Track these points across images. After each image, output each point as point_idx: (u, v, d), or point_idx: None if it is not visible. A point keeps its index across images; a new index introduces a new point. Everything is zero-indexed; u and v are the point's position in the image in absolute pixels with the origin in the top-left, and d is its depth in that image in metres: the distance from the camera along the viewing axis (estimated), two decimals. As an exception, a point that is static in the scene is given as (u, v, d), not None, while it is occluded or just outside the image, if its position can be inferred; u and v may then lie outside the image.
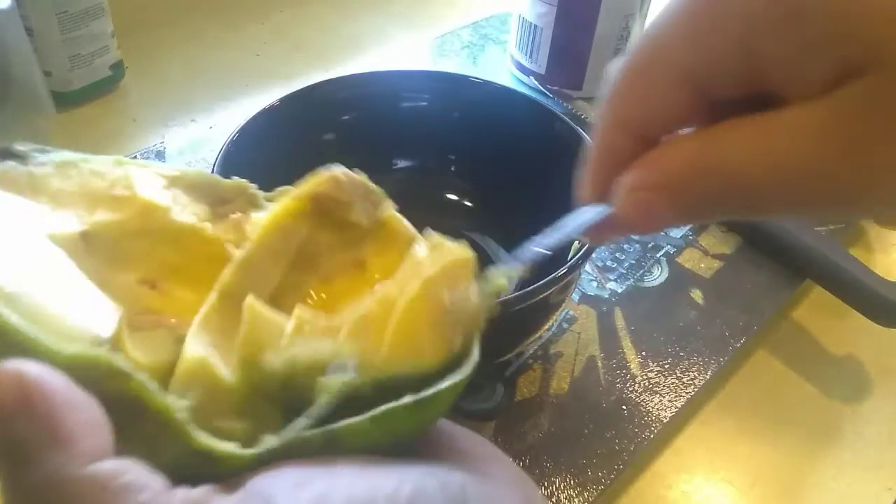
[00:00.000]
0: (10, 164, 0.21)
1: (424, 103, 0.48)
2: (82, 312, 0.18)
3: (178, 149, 0.56)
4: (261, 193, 0.24)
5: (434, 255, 0.21)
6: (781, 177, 0.18)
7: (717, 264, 0.50)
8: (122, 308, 0.19)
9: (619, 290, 0.47)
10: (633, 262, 0.50)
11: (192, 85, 0.65)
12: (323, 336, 0.20)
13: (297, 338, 0.20)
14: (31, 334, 0.17)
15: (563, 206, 0.25)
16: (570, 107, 0.61)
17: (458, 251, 0.21)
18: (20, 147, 0.21)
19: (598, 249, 0.50)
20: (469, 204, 0.50)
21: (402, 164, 0.50)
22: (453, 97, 0.47)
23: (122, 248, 0.21)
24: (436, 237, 0.22)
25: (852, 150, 0.17)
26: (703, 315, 0.46)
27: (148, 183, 0.22)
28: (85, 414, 0.17)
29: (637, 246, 0.51)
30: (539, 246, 0.24)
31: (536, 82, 0.64)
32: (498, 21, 0.74)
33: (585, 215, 0.23)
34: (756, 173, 0.18)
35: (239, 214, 0.23)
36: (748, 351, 0.46)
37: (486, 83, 0.47)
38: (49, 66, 0.58)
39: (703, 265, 0.50)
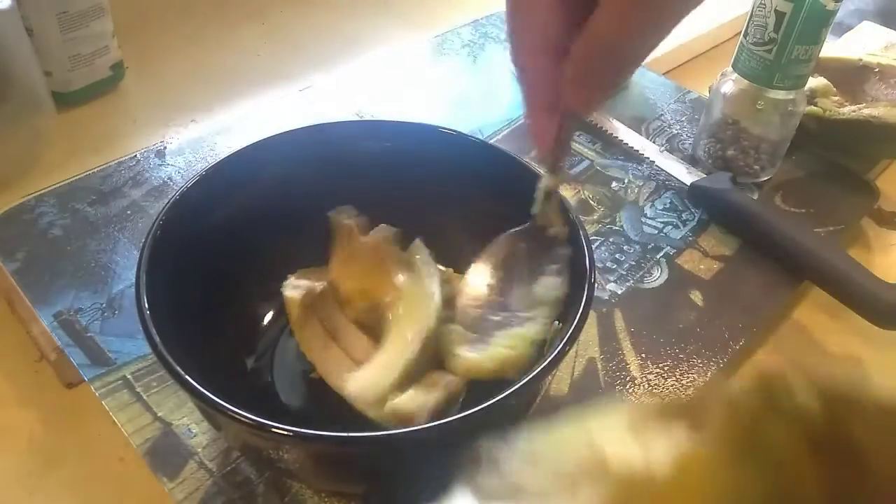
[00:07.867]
0: None
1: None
2: None
3: (178, 149, 0.56)
4: None
5: None
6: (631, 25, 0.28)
7: (716, 265, 0.50)
8: None
9: (619, 292, 0.48)
10: (632, 263, 0.50)
11: (192, 85, 0.65)
12: None
13: None
14: None
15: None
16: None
17: None
18: None
19: (598, 251, 0.50)
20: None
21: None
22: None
23: None
24: None
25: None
26: (703, 316, 0.46)
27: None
28: None
29: (637, 247, 0.51)
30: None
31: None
32: (498, 19, 0.74)
33: None
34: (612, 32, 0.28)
35: None
36: (748, 352, 0.46)
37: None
38: (49, 66, 0.58)
39: (702, 266, 0.50)
